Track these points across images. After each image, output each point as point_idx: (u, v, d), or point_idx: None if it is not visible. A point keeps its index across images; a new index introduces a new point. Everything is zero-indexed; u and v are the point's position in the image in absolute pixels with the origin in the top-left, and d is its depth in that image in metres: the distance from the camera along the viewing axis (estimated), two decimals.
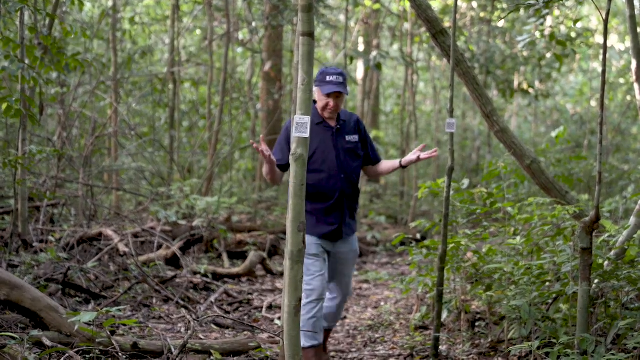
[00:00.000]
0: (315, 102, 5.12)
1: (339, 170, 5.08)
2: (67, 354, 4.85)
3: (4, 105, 6.00)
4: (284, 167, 5.10)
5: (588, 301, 4.38)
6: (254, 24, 13.89)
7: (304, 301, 4.82)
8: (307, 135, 3.73)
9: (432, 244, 6.41)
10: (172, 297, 7.10)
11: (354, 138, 5.19)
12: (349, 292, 5.43)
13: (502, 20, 14.81)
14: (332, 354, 5.81)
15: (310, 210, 5.00)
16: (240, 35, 15.99)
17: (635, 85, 5.59)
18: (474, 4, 15.68)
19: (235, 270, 8.83)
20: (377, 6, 15.72)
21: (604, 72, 4.47)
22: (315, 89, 5.04)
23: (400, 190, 17.28)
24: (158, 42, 16.86)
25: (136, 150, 13.43)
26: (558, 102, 22.91)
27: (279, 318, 6.84)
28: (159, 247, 8.70)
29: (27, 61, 6.43)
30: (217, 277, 8.50)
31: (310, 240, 5.03)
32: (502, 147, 7.30)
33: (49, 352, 4.78)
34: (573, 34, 13.78)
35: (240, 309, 7.38)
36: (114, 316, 6.16)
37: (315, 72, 7.06)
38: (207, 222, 9.68)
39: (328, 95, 5.04)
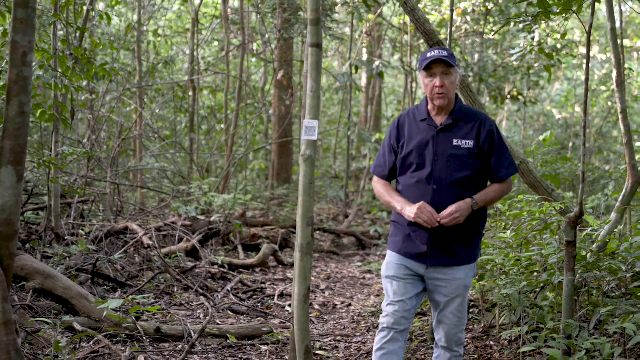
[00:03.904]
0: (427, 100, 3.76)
1: (432, 179, 3.59)
2: (96, 338, 4.86)
3: (39, 111, 6.00)
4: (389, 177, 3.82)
5: (573, 290, 4.37)
6: (267, 36, 13.89)
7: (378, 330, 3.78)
8: (316, 138, 3.72)
9: None
10: (192, 286, 7.10)
11: (467, 143, 3.61)
12: (454, 340, 3.72)
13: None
14: (338, 337, 5.81)
15: (394, 219, 3.75)
16: (255, 47, 15.99)
17: (616, 92, 5.56)
18: (468, 18, 15.63)
19: (249, 261, 8.83)
20: (379, 20, 15.69)
21: (587, 80, 4.45)
22: (419, 75, 3.70)
23: None
24: (179, 53, 16.87)
25: (159, 151, 13.46)
26: (545, 107, 22.85)
27: (290, 305, 6.84)
28: (180, 240, 8.71)
29: (59, 70, 6.44)
30: (232, 267, 8.50)
31: (390, 258, 3.72)
32: None
33: (80, 336, 4.80)
34: (559, 45, 13.76)
35: (254, 297, 7.37)
36: (138, 303, 6.17)
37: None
38: (224, 217, 9.68)
39: (430, 73, 3.61)
